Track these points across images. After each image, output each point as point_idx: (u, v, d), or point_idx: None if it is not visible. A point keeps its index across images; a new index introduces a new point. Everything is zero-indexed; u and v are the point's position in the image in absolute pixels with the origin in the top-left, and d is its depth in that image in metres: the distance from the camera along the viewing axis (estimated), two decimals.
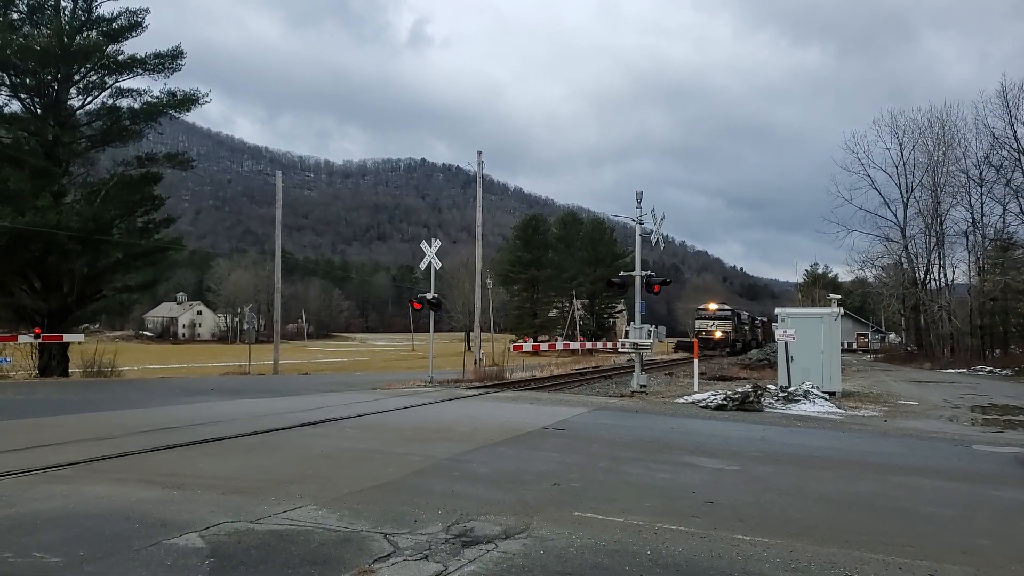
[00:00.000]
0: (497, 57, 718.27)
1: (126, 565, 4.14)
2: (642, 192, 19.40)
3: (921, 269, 47.89)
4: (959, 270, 47.44)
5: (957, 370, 36.40)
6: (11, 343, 22.02)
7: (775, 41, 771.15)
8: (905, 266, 48.47)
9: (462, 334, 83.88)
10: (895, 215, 47.91)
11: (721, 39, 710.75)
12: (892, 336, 71.23)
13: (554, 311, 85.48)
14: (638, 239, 19.71)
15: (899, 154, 47.38)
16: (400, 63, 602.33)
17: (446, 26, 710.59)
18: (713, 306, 59.15)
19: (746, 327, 64.48)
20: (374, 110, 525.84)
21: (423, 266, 22.32)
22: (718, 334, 53.76)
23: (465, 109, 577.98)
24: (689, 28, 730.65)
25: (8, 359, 22.11)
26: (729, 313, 57.81)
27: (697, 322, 56.93)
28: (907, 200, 47.34)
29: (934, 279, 47.70)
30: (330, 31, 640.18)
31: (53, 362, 23.98)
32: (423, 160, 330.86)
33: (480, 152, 29.39)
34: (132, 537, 4.67)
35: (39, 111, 25.46)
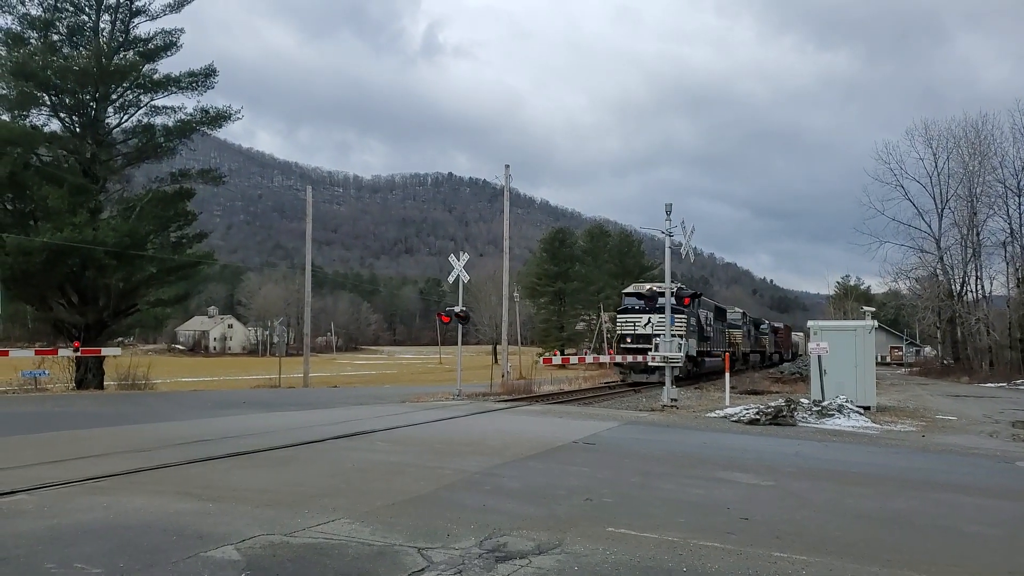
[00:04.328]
0: (515, 66, 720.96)
1: None
2: (671, 204, 19.30)
3: (957, 281, 46.90)
4: (997, 281, 46.38)
5: (996, 384, 35.50)
6: (49, 356, 22.45)
7: (801, 45, 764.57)
8: (940, 278, 47.49)
9: (489, 347, 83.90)
10: (929, 226, 47.03)
11: (745, 44, 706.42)
12: (927, 349, 69.66)
13: (581, 324, 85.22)
14: (667, 252, 19.60)
15: (933, 164, 46.56)
16: (416, 73, 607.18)
17: (460, 33, 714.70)
18: (652, 286, 31.45)
19: (736, 331, 43.69)
20: (393, 121, 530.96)
21: (451, 279, 22.41)
22: (655, 340, 25.60)
23: (485, 120, 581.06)
24: (711, 33, 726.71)
25: (46, 372, 22.59)
26: (684, 306, 29.47)
27: (618, 319, 32.35)
28: (942, 211, 46.47)
29: (971, 291, 46.68)
30: (346, 41, 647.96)
31: (89, 375, 24.46)
32: (450, 174, 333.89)
33: (507, 166, 29.57)
34: (170, 549, 4.72)
35: (77, 129, 26.14)
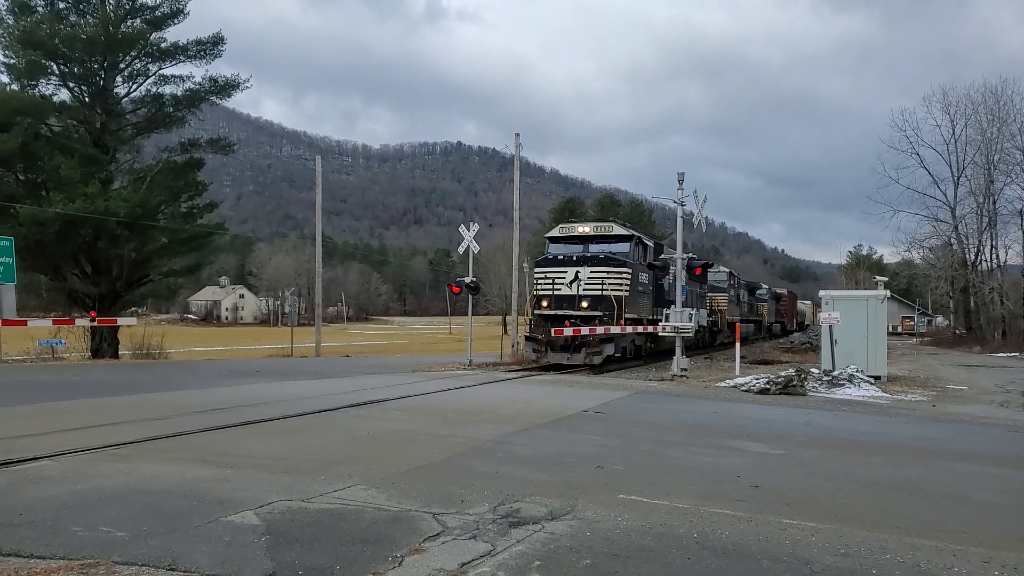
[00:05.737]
0: (522, 31, 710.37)
1: (188, 540, 4.29)
2: (684, 173, 19.17)
3: (971, 250, 46.45)
4: (1012, 251, 45.86)
5: (1009, 354, 35.35)
6: (65, 326, 22.69)
7: (816, 8, 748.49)
8: (954, 247, 47.04)
9: (499, 318, 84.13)
10: (945, 194, 46.42)
11: (759, 6, 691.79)
12: (939, 319, 69.23)
13: None
14: (679, 221, 19.50)
15: (950, 131, 45.78)
16: (421, 38, 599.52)
17: None
18: (584, 228, 23.23)
19: (720, 296, 35.34)
20: (399, 89, 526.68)
21: (461, 250, 22.41)
22: (583, 304, 20.93)
23: (492, 87, 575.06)
24: None
25: (63, 341, 22.86)
26: (622, 256, 21.72)
27: (536, 274, 22.76)
28: (958, 179, 45.83)
29: (985, 260, 46.25)
30: (349, 5, 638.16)
31: (104, 344, 24.77)
32: (459, 143, 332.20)
33: (517, 134, 29.23)
34: (191, 514, 4.83)
35: (87, 99, 26.14)
